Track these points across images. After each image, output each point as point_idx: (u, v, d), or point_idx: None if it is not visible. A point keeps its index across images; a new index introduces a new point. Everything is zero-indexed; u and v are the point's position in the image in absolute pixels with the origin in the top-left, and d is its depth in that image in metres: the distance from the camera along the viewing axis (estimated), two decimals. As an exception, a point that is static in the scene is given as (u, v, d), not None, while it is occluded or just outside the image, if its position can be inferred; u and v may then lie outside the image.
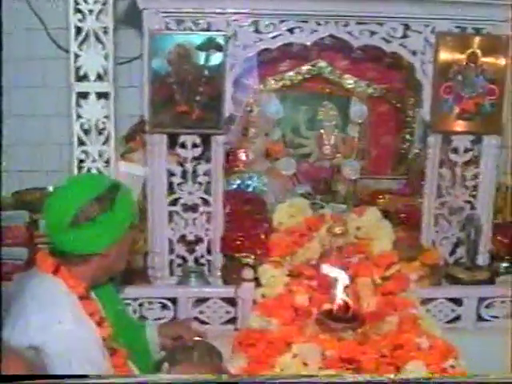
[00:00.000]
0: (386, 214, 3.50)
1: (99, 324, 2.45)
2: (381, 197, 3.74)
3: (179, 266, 3.44)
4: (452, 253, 3.58)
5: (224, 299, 3.30)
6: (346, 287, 2.85)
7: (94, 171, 3.19)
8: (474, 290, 3.43)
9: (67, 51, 3.44)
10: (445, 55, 3.31)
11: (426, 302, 3.30)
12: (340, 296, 2.83)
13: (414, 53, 3.35)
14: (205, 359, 2.70)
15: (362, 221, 3.38)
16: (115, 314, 2.62)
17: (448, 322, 3.39)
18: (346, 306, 2.86)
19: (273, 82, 3.90)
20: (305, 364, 2.64)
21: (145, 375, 2.32)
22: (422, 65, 3.36)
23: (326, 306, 2.90)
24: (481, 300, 3.42)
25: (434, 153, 3.46)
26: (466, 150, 3.48)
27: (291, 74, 3.90)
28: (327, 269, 2.90)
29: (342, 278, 2.83)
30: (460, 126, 3.40)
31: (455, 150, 3.47)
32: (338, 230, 3.28)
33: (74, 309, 2.41)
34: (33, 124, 4.16)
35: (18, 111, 4.07)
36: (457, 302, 3.41)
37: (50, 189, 3.80)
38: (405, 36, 3.32)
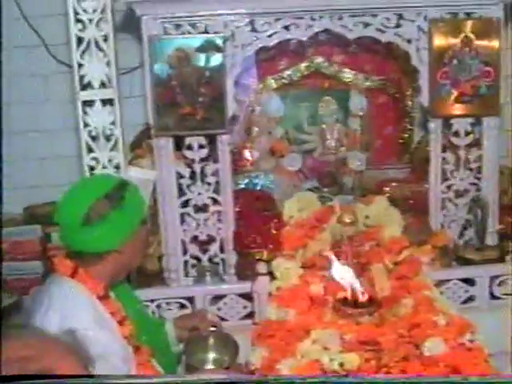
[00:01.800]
0: (393, 201, 3.53)
1: (121, 323, 2.49)
2: (387, 186, 3.77)
3: (193, 266, 3.46)
4: (461, 235, 3.61)
5: (240, 295, 3.36)
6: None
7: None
8: (486, 269, 3.47)
9: (67, 65, 3.51)
10: (439, 41, 3.36)
11: (439, 284, 3.34)
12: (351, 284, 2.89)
13: (408, 41, 3.40)
14: (220, 348, 2.75)
15: (371, 209, 3.42)
16: (135, 312, 2.67)
17: (462, 302, 3.44)
18: (360, 293, 2.91)
19: (272, 80, 3.94)
20: (325, 349, 2.68)
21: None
22: (418, 52, 3.41)
23: (341, 294, 2.95)
24: (493, 279, 3.46)
25: (435, 138, 3.50)
26: (467, 133, 3.52)
27: (289, 71, 3.94)
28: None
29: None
30: (459, 109, 3.45)
31: (456, 134, 3.51)
32: (347, 219, 3.33)
33: (95, 311, 2.44)
34: (37, 139, 4.19)
35: (21, 127, 4.10)
36: (469, 282, 3.46)
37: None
38: (398, 25, 3.37)
